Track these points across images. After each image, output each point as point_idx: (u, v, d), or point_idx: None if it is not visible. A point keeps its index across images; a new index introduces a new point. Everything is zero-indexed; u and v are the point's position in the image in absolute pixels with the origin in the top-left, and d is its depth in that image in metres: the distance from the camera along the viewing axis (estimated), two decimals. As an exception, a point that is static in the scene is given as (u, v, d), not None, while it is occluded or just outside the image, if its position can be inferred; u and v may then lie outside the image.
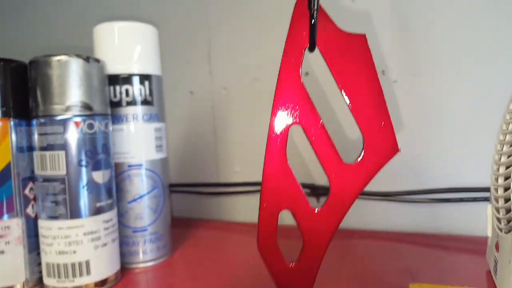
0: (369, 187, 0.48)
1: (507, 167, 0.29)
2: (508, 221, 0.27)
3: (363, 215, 0.49)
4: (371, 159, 0.23)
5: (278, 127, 0.20)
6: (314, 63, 0.49)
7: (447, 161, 0.45)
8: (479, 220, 0.42)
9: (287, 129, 0.21)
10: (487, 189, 0.43)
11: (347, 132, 0.48)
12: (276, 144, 0.20)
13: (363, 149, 0.23)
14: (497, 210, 0.29)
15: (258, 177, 0.52)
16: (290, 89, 0.21)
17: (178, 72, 0.56)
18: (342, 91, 0.23)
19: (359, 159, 0.23)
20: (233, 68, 0.54)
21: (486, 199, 0.43)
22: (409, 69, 0.46)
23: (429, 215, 0.46)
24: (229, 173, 0.56)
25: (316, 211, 0.22)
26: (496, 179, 0.29)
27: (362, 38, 0.22)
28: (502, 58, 0.42)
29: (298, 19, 0.21)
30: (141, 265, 0.37)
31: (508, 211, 0.27)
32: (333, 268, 0.35)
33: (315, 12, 0.21)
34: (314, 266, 0.20)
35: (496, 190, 0.29)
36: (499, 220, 0.29)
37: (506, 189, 0.28)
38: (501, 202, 0.28)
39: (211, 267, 0.37)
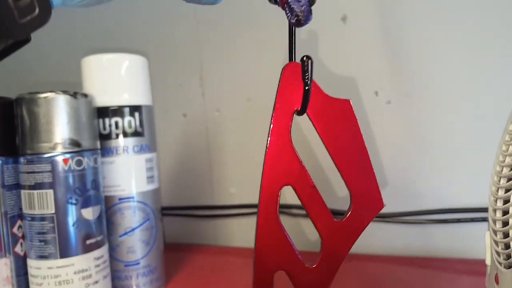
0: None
1: (506, 191, 0.28)
2: (508, 257, 0.26)
3: (363, 236, 0.48)
4: (359, 216, 0.23)
5: (270, 189, 0.20)
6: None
7: (443, 182, 0.44)
8: (477, 241, 0.41)
9: (278, 191, 0.21)
10: (484, 209, 0.42)
11: (336, 188, 0.48)
12: (268, 207, 0.20)
13: (351, 206, 0.23)
14: (496, 243, 0.28)
15: (254, 199, 0.51)
16: (280, 153, 0.21)
17: (171, 95, 0.56)
18: (330, 152, 0.23)
19: (347, 216, 0.24)
20: (226, 89, 0.53)
21: (484, 219, 0.43)
22: (402, 90, 0.45)
23: (425, 237, 0.46)
24: (225, 195, 0.55)
25: (310, 269, 0.22)
26: (495, 201, 0.28)
27: (347, 103, 0.23)
28: (496, 78, 0.42)
29: (287, 83, 0.21)
30: (134, 299, 0.37)
31: (507, 247, 0.26)
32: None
33: (309, 81, 0.21)
34: None
35: (495, 212, 0.28)
36: (498, 253, 0.28)
37: (505, 213, 0.27)
38: (499, 235, 0.28)
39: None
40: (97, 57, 0.36)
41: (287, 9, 0.20)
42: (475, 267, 0.39)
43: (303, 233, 0.51)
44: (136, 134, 0.37)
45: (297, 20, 0.20)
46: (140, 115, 0.37)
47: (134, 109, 0.37)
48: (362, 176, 0.23)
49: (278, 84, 0.22)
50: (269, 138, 0.21)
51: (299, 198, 0.23)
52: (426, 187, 0.45)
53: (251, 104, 0.52)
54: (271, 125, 0.21)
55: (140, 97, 0.37)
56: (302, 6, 0.20)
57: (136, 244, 0.37)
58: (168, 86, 0.56)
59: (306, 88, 0.21)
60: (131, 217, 0.37)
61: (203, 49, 0.54)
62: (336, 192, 0.48)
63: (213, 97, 0.54)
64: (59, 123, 0.31)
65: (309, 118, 0.23)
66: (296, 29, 0.22)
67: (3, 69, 0.65)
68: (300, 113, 0.22)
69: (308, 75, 0.21)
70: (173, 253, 0.49)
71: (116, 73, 0.36)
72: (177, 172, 0.57)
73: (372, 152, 0.46)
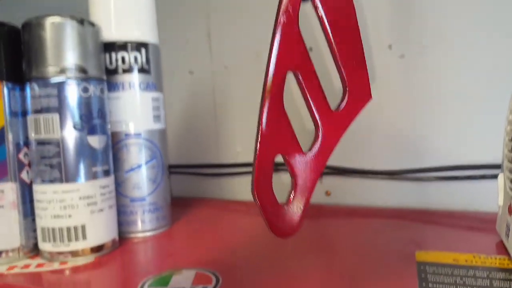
0: (375, 166, 0.47)
1: None
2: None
3: (370, 194, 0.48)
4: (353, 105, 0.23)
5: (279, 73, 0.20)
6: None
7: (455, 138, 0.43)
8: (488, 197, 0.40)
9: (285, 74, 0.20)
10: (496, 166, 0.41)
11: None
12: (273, 90, 0.20)
13: (345, 96, 0.24)
14: (510, 170, 0.28)
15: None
16: (288, 38, 0.20)
17: (177, 52, 0.56)
18: (331, 42, 0.24)
19: (342, 106, 0.24)
20: (234, 44, 0.53)
21: (495, 176, 0.41)
22: (416, 44, 0.44)
23: (436, 193, 0.45)
24: (231, 154, 0.55)
25: (307, 157, 0.22)
26: (510, 142, 0.28)
27: None
28: None
29: None
30: (139, 235, 0.36)
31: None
32: (339, 241, 0.34)
33: None
34: (302, 205, 0.21)
35: (510, 151, 0.27)
36: (510, 180, 0.28)
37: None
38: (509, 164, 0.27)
39: (210, 238, 0.36)
40: (105, -8, 0.36)
41: None
42: (486, 222, 0.38)
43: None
44: (142, 71, 0.36)
45: None
46: (147, 52, 0.37)
47: (141, 45, 0.36)
48: (357, 69, 0.24)
49: None
50: (278, 13, 0.21)
51: (302, 87, 0.22)
52: (436, 143, 0.44)
53: (261, 59, 0.52)
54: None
55: (147, 35, 0.37)
56: None
57: (142, 180, 0.36)
58: (174, 42, 0.56)
59: None
60: (138, 154, 0.36)
61: (210, 2, 0.53)
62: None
63: (220, 53, 0.54)
64: (66, 48, 0.31)
65: (316, 5, 0.23)
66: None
67: None
68: None
69: None
70: (180, 205, 0.49)
71: (123, 8, 0.36)
72: (183, 130, 0.57)
73: (382, 107, 0.46)
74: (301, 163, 0.21)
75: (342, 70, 0.23)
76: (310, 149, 0.23)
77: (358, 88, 0.23)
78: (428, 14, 0.43)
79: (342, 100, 0.23)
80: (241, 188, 0.54)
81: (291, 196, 0.21)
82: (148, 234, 0.37)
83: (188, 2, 0.55)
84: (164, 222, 0.38)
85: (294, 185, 0.21)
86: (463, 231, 0.35)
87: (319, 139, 0.23)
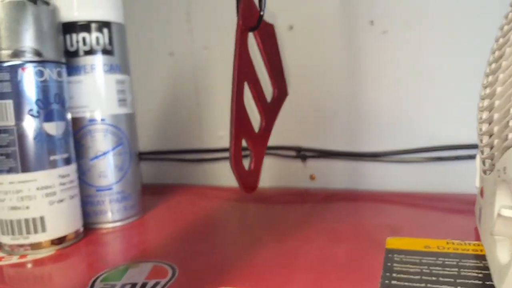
0: (360, 148, 0.45)
1: (490, 108, 0.25)
2: (491, 159, 0.24)
3: (354, 177, 0.46)
4: (278, 100, 0.32)
5: (240, 81, 0.27)
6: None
7: (440, 118, 0.41)
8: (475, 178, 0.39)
9: (243, 85, 0.27)
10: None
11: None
12: (237, 95, 0.26)
13: (274, 94, 0.32)
14: (482, 151, 0.26)
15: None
16: (242, 54, 0.27)
17: (157, 33, 0.54)
18: (264, 60, 0.31)
19: (272, 100, 0.32)
20: (215, 24, 0.51)
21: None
22: (400, 19, 0.42)
23: (422, 175, 0.43)
24: (213, 138, 0.53)
25: (258, 134, 0.29)
26: (481, 119, 0.26)
27: (273, 27, 0.32)
28: (497, 7, 0.38)
29: (245, 8, 0.28)
30: (107, 225, 0.35)
31: (491, 147, 0.24)
32: (311, 226, 0.33)
33: (263, 8, 0.29)
34: (259, 167, 0.29)
35: (481, 129, 0.26)
36: (484, 162, 0.26)
37: (490, 123, 0.25)
38: (485, 139, 0.25)
39: (178, 228, 0.35)
40: (63, -31, 0.34)
41: None
42: (472, 199, 0.36)
43: (283, 170, 0.49)
44: (105, 52, 0.35)
45: None
46: (110, 32, 0.35)
47: (103, 24, 0.34)
48: (280, 76, 0.33)
49: (240, 9, 0.27)
50: (236, 42, 0.27)
51: (252, 90, 0.29)
52: (422, 123, 0.42)
53: (239, 40, 0.49)
54: (237, 34, 0.27)
55: (110, 13, 0.35)
56: None
57: (108, 168, 0.35)
58: (154, 23, 0.54)
59: (261, 13, 0.29)
60: (102, 140, 0.35)
61: (188, -19, 0.51)
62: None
63: (201, 33, 0.52)
64: (19, 29, 0.29)
65: (256, 35, 0.30)
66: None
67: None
68: (253, 29, 0.29)
69: (263, 3, 0.29)
70: (159, 191, 0.48)
71: (83, -13, 0.34)
72: (164, 114, 0.55)
73: (366, 86, 0.44)
74: (254, 139, 0.28)
75: (272, 77, 0.32)
76: (259, 130, 0.30)
77: (281, 88, 0.33)
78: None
79: (272, 96, 0.32)
80: (224, 173, 0.53)
81: (252, 163, 0.28)
82: (117, 224, 0.36)
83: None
84: (133, 211, 0.37)
85: (252, 157, 0.28)
86: (443, 214, 0.34)
87: (263, 123, 0.30)
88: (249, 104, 0.28)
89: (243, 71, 0.27)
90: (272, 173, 0.50)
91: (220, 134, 0.53)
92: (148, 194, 0.47)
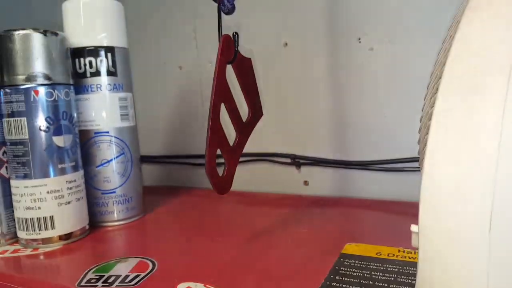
0: (350, 157, 0.48)
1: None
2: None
3: (345, 184, 0.49)
4: (253, 119, 0.36)
5: (217, 102, 0.32)
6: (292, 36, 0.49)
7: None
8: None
9: (219, 105, 0.32)
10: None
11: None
12: (214, 113, 0.31)
13: (250, 114, 0.36)
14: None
15: (245, 149, 0.53)
16: (220, 81, 0.32)
17: (167, 48, 0.58)
18: (241, 87, 0.35)
19: (248, 119, 0.36)
20: (217, 42, 0.54)
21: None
22: (384, 37, 0.44)
23: (406, 183, 0.45)
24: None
25: (232, 148, 0.34)
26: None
27: (250, 60, 0.36)
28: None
29: (224, 47, 0.33)
30: (111, 224, 0.40)
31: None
32: (282, 230, 0.36)
33: (237, 45, 0.34)
34: (232, 175, 0.34)
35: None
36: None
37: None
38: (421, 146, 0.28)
39: (172, 228, 0.39)
40: (75, 1, 0.39)
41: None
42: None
43: (279, 176, 0.52)
44: (109, 73, 0.39)
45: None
46: (113, 56, 0.39)
47: (107, 50, 0.39)
48: (255, 98, 0.37)
49: (220, 47, 0.32)
50: (216, 72, 0.32)
51: (228, 110, 0.33)
52: (405, 135, 0.44)
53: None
54: (217, 66, 0.32)
55: (114, 39, 0.40)
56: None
57: (112, 174, 0.40)
58: (164, 39, 0.58)
59: (236, 49, 0.34)
60: (107, 150, 0.40)
61: (197, 2, 0.55)
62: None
63: (206, 49, 0.56)
64: (31, 58, 0.34)
65: (234, 66, 0.34)
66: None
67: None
68: (231, 62, 0.34)
69: (237, 43, 0.33)
70: (163, 193, 0.53)
71: (91, 16, 0.39)
72: (172, 122, 0.60)
73: (355, 100, 0.46)
74: (229, 152, 0.33)
75: (248, 100, 0.36)
76: (233, 144, 0.34)
77: (256, 109, 0.37)
78: (394, 9, 0.43)
79: (248, 116, 0.36)
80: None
81: (225, 172, 0.33)
82: (120, 223, 0.40)
83: (176, 2, 0.57)
84: (135, 212, 0.42)
85: (226, 165, 0.33)
86: (412, 222, 0.36)
87: (237, 138, 0.35)
88: (225, 123, 0.32)
89: (219, 94, 0.32)
90: (269, 179, 0.53)
91: (224, 141, 0.57)
92: (153, 194, 0.52)
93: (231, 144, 0.33)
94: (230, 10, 0.33)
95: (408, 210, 0.40)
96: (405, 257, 0.28)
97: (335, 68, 0.48)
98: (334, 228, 0.36)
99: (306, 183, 0.51)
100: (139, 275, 0.28)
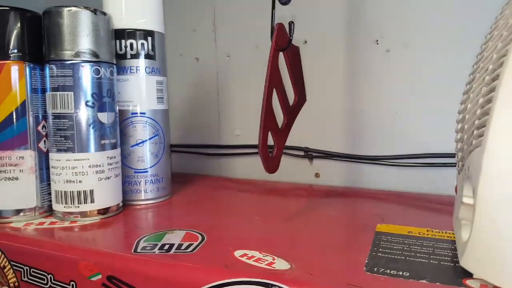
0: (360, 151, 0.51)
1: (462, 120, 0.31)
2: (462, 161, 0.29)
3: (354, 176, 0.52)
4: (299, 104, 0.39)
5: (270, 87, 0.34)
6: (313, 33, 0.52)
7: (432, 129, 0.47)
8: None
9: (272, 90, 0.34)
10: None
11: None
12: (268, 97, 0.33)
13: (296, 99, 0.39)
14: (457, 155, 0.31)
15: (257, 140, 0.55)
16: (273, 68, 0.34)
17: (185, 40, 0.60)
18: (290, 72, 0.38)
19: (294, 104, 0.39)
20: (236, 35, 0.57)
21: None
22: (401, 40, 0.48)
23: (414, 177, 0.49)
24: (231, 136, 0.59)
25: (281, 130, 0.36)
26: (457, 128, 0.32)
27: (298, 48, 0.39)
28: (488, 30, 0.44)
29: (279, 34, 0.35)
30: (142, 203, 0.41)
31: (462, 151, 0.29)
32: (316, 214, 0.39)
33: (292, 34, 0.36)
34: (280, 155, 0.36)
35: (456, 137, 0.31)
36: (458, 164, 0.31)
37: (462, 132, 0.30)
38: (459, 145, 0.31)
39: (203, 207, 0.41)
40: (117, -16, 0.40)
41: None
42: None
43: (292, 167, 0.55)
44: (148, 56, 0.41)
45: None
46: (153, 39, 0.41)
47: (148, 33, 0.41)
48: (301, 85, 0.40)
49: (273, 34, 0.35)
50: (270, 58, 0.34)
51: (279, 95, 0.36)
52: (415, 133, 0.48)
53: (259, 51, 0.56)
54: (271, 53, 0.34)
55: (154, 24, 0.41)
56: None
57: (145, 154, 0.41)
58: (182, 30, 0.60)
59: (290, 38, 0.36)
60: (142, 131, 0.41)
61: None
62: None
63: (224, 42, 0.58)
64: (81, 34, 0.35)
65: (285, 54, 0.37)
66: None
67: None
68: (282, 49, 0.36)
69: (292, 31, 0.36)
70: (181, 179, 0.54)
71: (133, 0, 0.40)
72: (188, 112, 0.61)
73: (369, 98, 0.49)
74: (278, 133, 0.36)
75: (294, 86, 0.39)
76: (281, 126, 0.36)
77: (301, 96, 0.40)
78: (410, 14, 0.47)
79: (294, 101, 0.39)
80: (238, 167, 0.59)
81: (274, 151, 0.35)
82: (149, 202, 0.42)
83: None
84: (164, 192, 0.43)
85: (275, 145, 0.35)
86: (428, 211, 0.39)
87: (285, 121, 0.37)
88: (276, 107, 0.34)
89: (272, 80, 0.34)
90: (282, 170, 0.55)
91: (237, 133, 0.58)
92: (173, 181, 0.53)
93: (279, 126, 0.36)
94: (288, 1, 0.35)
95: (421, 202, 0.43)
96: (435, 235, 0.31)
97: (352, 67, 0.51)
98: (360, 212, 0.39)
99: (317, 175, 0.54)
100: (192, 244, 0.30)
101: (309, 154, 0.54)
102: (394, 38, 0.48)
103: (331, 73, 0.52)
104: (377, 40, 0.49)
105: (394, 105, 0.49)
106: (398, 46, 0.48)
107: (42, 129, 0.37)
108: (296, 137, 0.55)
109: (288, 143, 0.56)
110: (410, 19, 0.47)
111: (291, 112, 0.38)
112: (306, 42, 0.53)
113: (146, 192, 0.41)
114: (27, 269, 0.31)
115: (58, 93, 0.35)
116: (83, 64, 0.35)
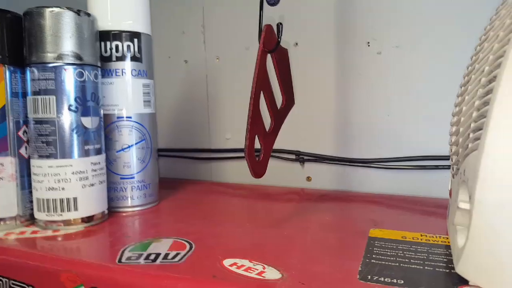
0: (352, 155, 0.50)
1: (457, 123, 0.30)
2: (456, 165, 0.29)
3: (346, 180, 0.51)
4: (287, 107, 0.39)
5: (257, 90, 0.33)
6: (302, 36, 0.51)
7: (423, 132, 0.46)
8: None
9: (259, 93, 0.33)
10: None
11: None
12: (255, 100, 0.32)
13: (284, 102, 0.39)
14: (451, 159, 0.31)
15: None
16: (261, 69, 0.34)
17: (174, 42, 0.59)
18: (277, 75, 0.37)
19: (282, 107, 0.39)
20: (226, 37, 0.56)
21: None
22: (392, 42, 0.47)
23: (405, 180, 0.48)
24: (221, 140, 0.58)
25: (268, 132, 0.35)
26: (451, 131, 0.31)
27: (287, 50, 0.39)
28: (478, 34, 0.43)
29: (266, 36, 0.34)
30: (128, 210, 0.40)
31: (457, 155, 0.29)
32: (307, 218, 0.38)
33: (280, 35, 0.35)
34: (267, 159, 0.35)
35: (451, 140, 0.31)
36: (452, 168, 0.31)
37: (457, 135, 0.29)
38: (453, 148, 0.30)
39: (191, 214, 0.39)
40: (101, -15, 0.39)
41: None
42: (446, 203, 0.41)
43: (283, 171, 0.54)
44: (134, 59, 0.40)
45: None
46: (139, 41, 0.40)
47: (134, 35, 0.39)
48: (289, 88, 0.39)
49: (261, 35, 0.34)
50: (257, 60, 0.33)
51: (266, 98, 0.35)
52: (407, 135, 0.47)
53: (249, 53, 0.55)
54: (259, 54, 0.33)
55: (140, 25, 0.40)
56: None
57: (131, 160, 0.40)
58: (170, 32, 0.59)
59: (279, 40, 0.35)
60: (128, 135, 0.40)
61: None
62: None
63: (213, 44, 0.57)
64: (63, 36, 0.34)
65: (273, 56, 0.36)
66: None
67: None
68: (271, 51, 0.35)
69: (280, 33, 0.35)
70: (170, 185, 0.53)
71: (119, 1, 0.39)
72: (177, 116, 0.60)
73: (360, 100, 0.49)
74: (265, 137, 0.35)
75: (282, 89, 0.38)
76: (268, 130, 0.36)
77: (289, 97, 0.39)
78: (401, 16, 0.46)
79: (282, 104, 0.39)
80: (229, 172, 0.58)
81: (261, 155, 0.34)
82: (136, 209, 0.40)
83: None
84: (151, 199, 0.42)
85: (262, 149, 0.34)
86: (421, 214, 0.39)
87: (272, 124, 0.36)
88: (263, 110, 0.33)
89: (260, 83, 0.33)
90: (274, 173, 0.54)
91: (227, 137, 0.57)
92: (161, 186, 0.51)
93: (267, 129, 0.35)
94: (276, 1, 0.34)
95: (413, 205, 0.42)
96: (429, 240, 0.31)
97: (343, 69, 0.50)
98: (352, 216, 0.38)
99: (309, 178, 0.53)
100: (180, 253, 0.29)
101: (301, 157, 0.53)
102: (386, 40, 0.48)
103: (323, 75, 0.51)
104: (368, 42, 0.48)
105: (386, 107, 0.48)
106: (390, 48, 0.47)
107: (23, 134, 0.36)
108: (287, 141, 0.54)
109: (280, 146, 0.56)
110: (402, 21, 0.47)
111: (279, 116, 0.37)
112: (297, 44, 0.52)
113: (133, 199, 0.40)
114: (6, 281, 0.30)
115: (40, 97, 0.34)
116: (65, 67, 0.34)
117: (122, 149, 0.40)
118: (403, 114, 0.47)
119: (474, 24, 0.43)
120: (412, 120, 0.47)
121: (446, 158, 0.45)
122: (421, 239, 0.31)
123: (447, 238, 0.31)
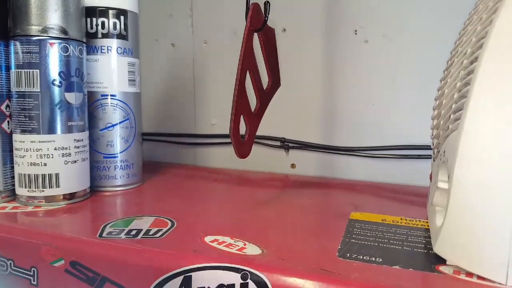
0: (336, 143, 0.51)
1: (439, 107, 0.31)
2: (437, 148, 0.29)
3: (330, 167, 0.51)
4: (273, 88, 0.39)
5: (243, 70, 0.33)
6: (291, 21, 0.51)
7: (407, 121, 0.47)
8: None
9: (245, 73, 0.33)
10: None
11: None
12: (241, 80, 0.32)
13: (270, 83, 0.39)
14: (432, 143, 0.31)
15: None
16: (248, 49, 0.33)
17: (161, 25, 0.58)
18: (264, 54, 0.38)
19: (268, 87, 0.39)
20: (214, 21, 0.55)
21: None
22: (379, 31, 0.48)
23: (388, 169, 0.49)
24: (206, 125, 0.58)
25: (253, 115, 0.35)
26: (433, 115, 0.31)
27: (274, 30, 0.39)
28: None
29: (253, 14, 0.34)
30: (111, 189, 0.40)
31: (438, 138, 0.29)
32: (291, 202, 0.38)
33: (268, 14, 0.35)
34: (252, 140, 0.35)
35: (433, 124, 0.31)
36: (433, 152, 0.31)
37: (438, 119, 0.30)
38: (435, 132, 0.31)
39: (174, 194, 0.39)
40: (89, -40, 0.38)
41: None
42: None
43: (268, 157, 0.54)
44: (120, 36, 0.39)
45: None
46: (125, 19, 0.39)
47: (120, 12, 0.39)
48: (275, 68, 0.40)
49: (248, 14, 0.33)
50: (244, 39, 0.33)
51: (252, 78, 0.35)
52: (391, 124, 0.48)
53: (237, 37, 0.54)
54: (245, 33, 0.33)
55: (127, 3, 0.39)
56: None
57: (115, 139, 0.40)
58: (158, 15, 0.58)
59: (266, 18, 0.35)
60: (112, 114, 0.39)
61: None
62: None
63: (201, 28, 0.56)
64: (49, 8, 0.33)
65: (260, 35, 0.36)
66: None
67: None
68: (257, 30, 0.35)
69: (267, 12, 0.35)
70: (155, 168, 0.52)
71: (105, -23, 0.38)
72: (163, 99, 0.60)
73: (345, 88, 0.49)
74: (250, 117, 0.34)
75: (268, 70, 0.38)
76: (254, 110, 0.34)
77: (275, 79, 0.39)
78: (388, 5, 0.47)
79: (268, 85, 0.39)
80: (214, 157, 0.58)
81: (246, 135, 0.34)
82: (119, 188, 0.40)
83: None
84: (135, 179, 0.41)
85: (247, 129, 0.34)
86: (402, 201, 0.39)
87: (258, 105, 0.36)
88: (249, 91, 0.33)
89: (246, 61, 0.33)
90: (258, 160, 0.55)
91: (213, 122, 0.57)
92: (144, 169, 0.51)
93: (252, 110, 0.35)
94: None
95: (395, 193, 0.43)
96: (409, 223, 0.31)
97: (330, 57, 0.50)
98: (334, 201, 0.38)
99: (293, 166, 0.53)
100: (161, 229, 0.29)
101: (286, 144, 0.53)
102: (373, 28, 0.48)
103: (310, 62, 0.51)
104: (356, 30, 0.49)
105: (371, 96, 0.49)
106: (377, 37, 0.48)
107: (6, 108, 0.35)
108: (272, 128, 0.54)
109: (265, 133, 0.56)
110: (388, 9, 0.47)
111: (265, 96, 0.37)
112: (284, 30, 0.52)
113: (116, 178, 0.40)
114: (-16, 255, 0.30)
115: (23, 70, 0.33)
116: (50, 40, 0.34)
117: (106, 128, 0.39)
118: (388, 103, 0.48)
119: (460, 13, 0.44)
120: (397, 109, 0.47)
121: (429, 148, 0.46)
122: (401, 222, 0.31)
123: (427, 222, 0.31)
